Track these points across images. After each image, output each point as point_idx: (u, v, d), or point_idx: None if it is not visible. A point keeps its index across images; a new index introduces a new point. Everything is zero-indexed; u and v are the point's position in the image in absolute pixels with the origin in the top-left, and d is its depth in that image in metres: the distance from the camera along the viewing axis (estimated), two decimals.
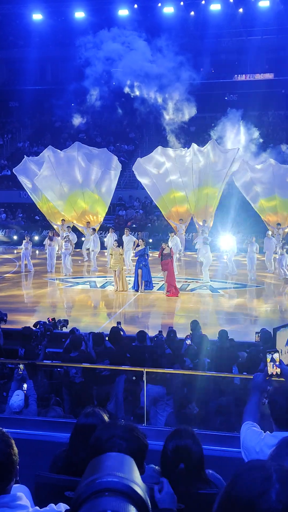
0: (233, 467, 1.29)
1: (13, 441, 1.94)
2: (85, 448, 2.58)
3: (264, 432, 2.78)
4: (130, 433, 2.22)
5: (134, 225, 27.66)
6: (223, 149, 21.54)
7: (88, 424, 2.85)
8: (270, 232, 19.53)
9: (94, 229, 20.02)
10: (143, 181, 22.25)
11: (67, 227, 20.30)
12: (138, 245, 15.95)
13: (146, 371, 6.56)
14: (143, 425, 5.87)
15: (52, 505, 2.03)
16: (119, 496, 1.01)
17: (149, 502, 1.05)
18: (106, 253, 19.47)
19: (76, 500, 1.03)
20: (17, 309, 14.33)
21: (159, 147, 22.11)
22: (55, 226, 21.86)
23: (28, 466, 2.00)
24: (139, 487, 1.04)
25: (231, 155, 20.35)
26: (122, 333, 8.90)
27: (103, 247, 19.94)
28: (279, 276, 17.60)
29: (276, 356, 3.14)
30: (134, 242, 16.92)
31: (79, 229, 21.51)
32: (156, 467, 2.65)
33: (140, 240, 16.28)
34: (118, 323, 9.35)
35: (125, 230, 19.86)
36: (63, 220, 21.09)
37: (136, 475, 1.09)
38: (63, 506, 2.01)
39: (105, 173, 20.69)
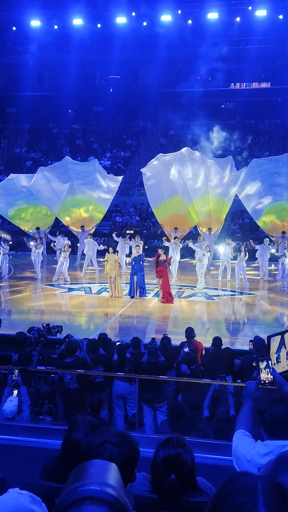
0: (225, 476, 1.28)
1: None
2: (76, 455, 2.56)
3: (256, 441, 2.77)
4: (122, 439, 2.21)
5: (132, 230, 27.63)
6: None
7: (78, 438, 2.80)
8: (267, 240, 19.22)
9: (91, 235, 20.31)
10: (149, 182, 21.71)
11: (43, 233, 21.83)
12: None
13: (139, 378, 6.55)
14: (135, 431, 5.84)
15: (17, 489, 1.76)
16: (101, 505, 0.99)
17: (131, 511, 1.04)
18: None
19: (57, 508, 1.02)
20: (11, 314, 14.30)
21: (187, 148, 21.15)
22: (30, 234, 22.65)
23: (19, 472, 1.99)
24: (121, 495, 1.03)
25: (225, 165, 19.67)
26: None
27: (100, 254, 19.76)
28: (280, 287, 17.34)
29: (270, 364, 3.15)
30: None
31: (73, 233, 21.98)
32: (148, 475, 2.63)
33: (136, 246, 16.28)
34: (103, 334, 9.26)
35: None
36: (37, 228, 22.10)
37: (119, 483, 1.08)
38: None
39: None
